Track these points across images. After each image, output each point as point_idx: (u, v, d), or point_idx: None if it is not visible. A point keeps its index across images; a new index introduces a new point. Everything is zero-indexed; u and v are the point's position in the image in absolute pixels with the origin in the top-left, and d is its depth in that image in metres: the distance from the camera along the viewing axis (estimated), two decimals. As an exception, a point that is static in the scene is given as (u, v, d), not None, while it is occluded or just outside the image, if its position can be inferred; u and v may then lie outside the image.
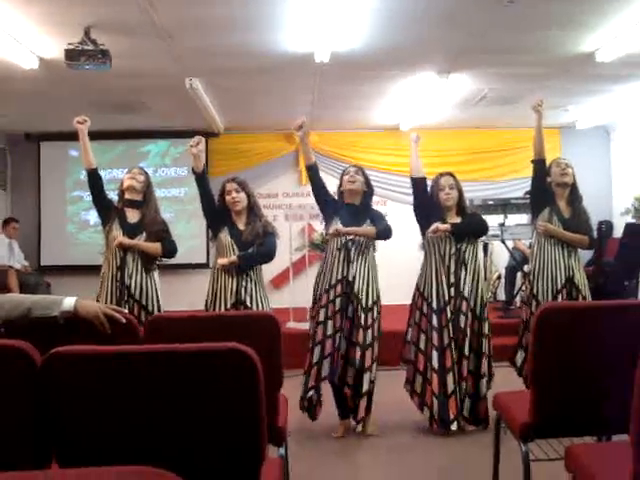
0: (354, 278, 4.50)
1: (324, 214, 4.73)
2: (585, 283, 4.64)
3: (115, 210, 4.64)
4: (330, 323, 4.47)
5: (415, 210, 4.78)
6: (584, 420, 2.68)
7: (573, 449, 2.46)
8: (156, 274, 4.63)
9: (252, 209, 4.58)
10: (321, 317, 4.49)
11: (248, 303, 4.41)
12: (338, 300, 4.49)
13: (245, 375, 1.71)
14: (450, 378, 4.42)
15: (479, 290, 4.59)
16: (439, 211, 4.63)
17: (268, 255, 4.55)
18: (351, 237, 4.52)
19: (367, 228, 4.55)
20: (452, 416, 4.40)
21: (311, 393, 4.47)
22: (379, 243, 4.73)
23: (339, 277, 4.50)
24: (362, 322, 4.46)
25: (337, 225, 4.52)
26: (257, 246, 4.48)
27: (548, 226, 4.59)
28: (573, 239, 4.60)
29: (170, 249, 4.66)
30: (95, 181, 4.62)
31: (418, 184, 4.73)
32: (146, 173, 4.79)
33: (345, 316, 4.49)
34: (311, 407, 4.52)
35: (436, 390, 4.46)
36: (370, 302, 4.52)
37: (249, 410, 1.74)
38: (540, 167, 4.69)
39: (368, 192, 4.71)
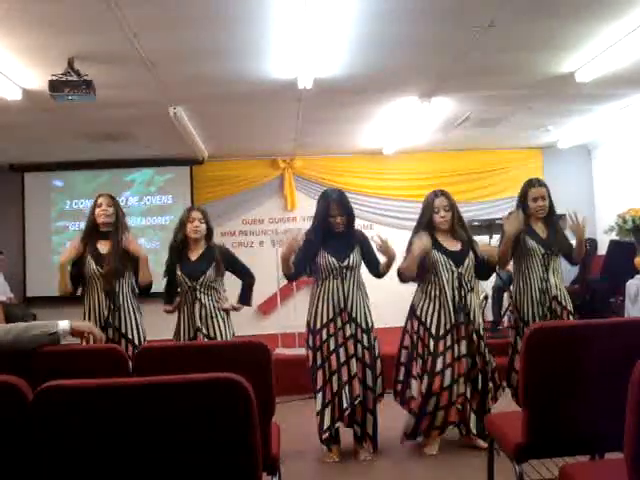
0: (353, 303, 4.49)
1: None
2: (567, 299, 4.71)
3: None
4: (342, 350, 4.44)
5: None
6: (577, 439, 2.69)
7: (567, 468, 2.46)
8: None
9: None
10: (332, 346, 4.44)
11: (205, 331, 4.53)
12: (347, 326, 4.46)
13: (240, 406, 1.70)
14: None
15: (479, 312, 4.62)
16: (432, 231, 4.59)
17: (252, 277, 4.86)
18: (345, 264, 4.50)
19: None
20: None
21: (337, 424, 4.45)
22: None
23: (342, 305, 4.47)
24: (366, 344, 4.47)
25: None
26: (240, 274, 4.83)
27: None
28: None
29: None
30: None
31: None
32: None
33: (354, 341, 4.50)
34: (329, 441, 4.51)
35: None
36: (370, 324, 4.53)
37: (244, 441, 1.73)
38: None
39: (351, 217, 4.65)
